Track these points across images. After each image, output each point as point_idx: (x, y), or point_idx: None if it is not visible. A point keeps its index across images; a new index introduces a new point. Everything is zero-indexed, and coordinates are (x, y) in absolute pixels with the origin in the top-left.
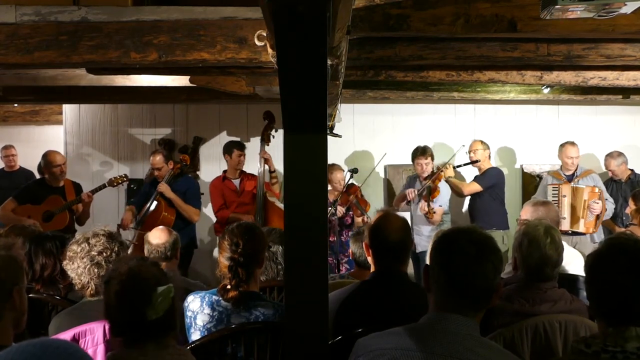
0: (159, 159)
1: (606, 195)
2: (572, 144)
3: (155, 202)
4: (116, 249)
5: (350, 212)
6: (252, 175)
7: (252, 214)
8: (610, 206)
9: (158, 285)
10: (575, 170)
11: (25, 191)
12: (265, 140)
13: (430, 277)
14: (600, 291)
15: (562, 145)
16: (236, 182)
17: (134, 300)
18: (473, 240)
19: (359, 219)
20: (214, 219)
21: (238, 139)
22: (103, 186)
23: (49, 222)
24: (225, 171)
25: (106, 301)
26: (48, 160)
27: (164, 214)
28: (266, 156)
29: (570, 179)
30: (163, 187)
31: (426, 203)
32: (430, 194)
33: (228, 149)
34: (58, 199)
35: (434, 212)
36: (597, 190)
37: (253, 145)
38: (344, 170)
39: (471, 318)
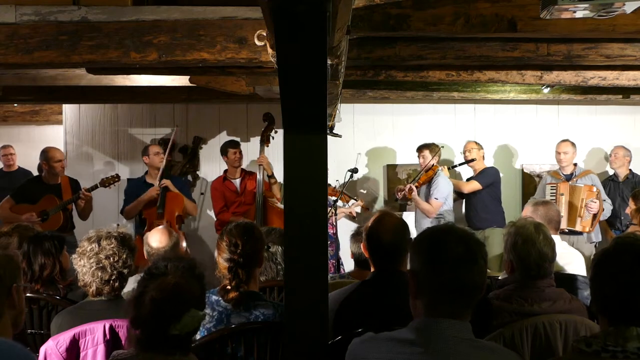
0: (157, 149)
1: (604, 196)
2: (566, 140)
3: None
4: (124, 256)
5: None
6: (253, 174)
7: (252, 215)
8: (608, 207)
9: (194, 307)
10: (574, 170)
11: (22, 190)
12: (265, 141)
13: (418, 282)
14: (604, 289)
15: (557, 143)
16: (236, 182)
17: (165, 314)
18: (460, 239)
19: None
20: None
21: (238, 139)
22: (95, 186)
23: (44, 222)
24: (225, 171)
25: (138, 293)
26: (49, 156)
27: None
28: (260, 162)
29: (568, 178)
30: (167, 182)
31: (409, 185)
32: (416, 180)
33: (223, 150)
34: (53, 199)
35: (412, 192)
36: (594, 189)
37: (253, 145)
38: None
39: (464, 320)
